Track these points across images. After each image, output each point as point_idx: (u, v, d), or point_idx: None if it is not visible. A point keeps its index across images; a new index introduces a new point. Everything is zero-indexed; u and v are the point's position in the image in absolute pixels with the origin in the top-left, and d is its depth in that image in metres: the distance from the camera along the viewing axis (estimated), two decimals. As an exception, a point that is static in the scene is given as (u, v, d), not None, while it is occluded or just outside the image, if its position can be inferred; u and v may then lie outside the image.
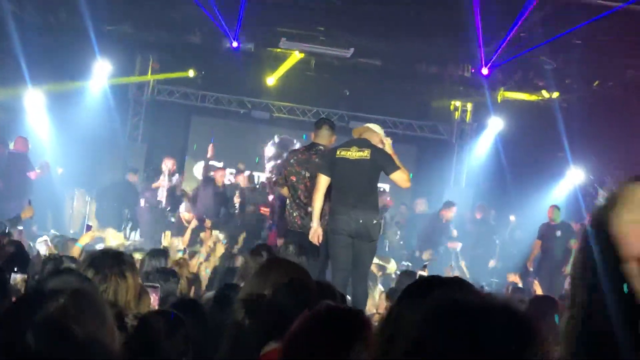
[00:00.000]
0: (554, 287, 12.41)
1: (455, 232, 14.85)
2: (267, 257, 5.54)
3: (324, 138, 8.76)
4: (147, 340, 2.99)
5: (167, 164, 14.97)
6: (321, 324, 2.33)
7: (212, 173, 14.73)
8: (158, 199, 14.64)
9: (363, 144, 7.88)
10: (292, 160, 8.84)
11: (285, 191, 8.93)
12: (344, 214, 7.70)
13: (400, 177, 7.83)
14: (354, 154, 7.79)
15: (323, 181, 7.93)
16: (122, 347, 2.10)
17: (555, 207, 13.83)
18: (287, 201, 8.84)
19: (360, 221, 7.67)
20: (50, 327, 1.88)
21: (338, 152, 7.87)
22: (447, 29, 13.40)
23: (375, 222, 7.77)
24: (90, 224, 8.71)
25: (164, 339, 3.09)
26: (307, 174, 8.55)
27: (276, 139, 18.45)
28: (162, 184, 14.75)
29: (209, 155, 15.07)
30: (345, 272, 7.65)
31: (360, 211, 7.69)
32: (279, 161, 16.28)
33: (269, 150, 18.39)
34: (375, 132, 8.04)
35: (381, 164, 7.78)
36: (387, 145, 8.05)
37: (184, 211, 14.23)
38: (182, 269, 6.05)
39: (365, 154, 7.76)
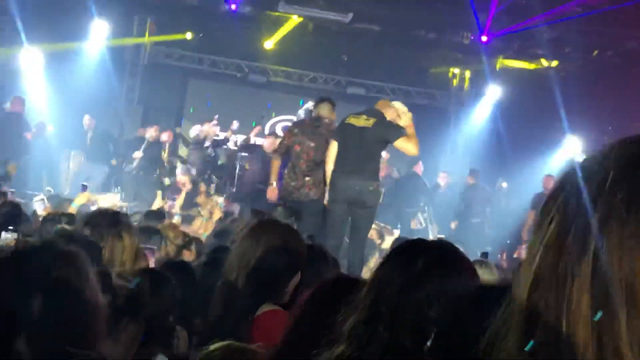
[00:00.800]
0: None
1: None
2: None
3: (327, 112, 8.88)
4: (132, 297, 3.01)
5: (204, 131, 14.85)
6: (328, 294, 2.33)
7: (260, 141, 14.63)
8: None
9: (373, 113, 8.02)
10: (296, 130, 8.98)
11: (277, 161, 9.09)
12: (342, 180, 7.85)
13: (404, 144, 7.94)
14: (360, 121, 7.92)
15: (333, 147, 8.09)
16: (107, 305, 2.13)
17: (551, 177, 13.84)
18: (286, 170, 8.92)
19: (357, 188, 7.80)
20: (34, 285, 1.91)
21: (347, 119, 8.05)
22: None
23: (371, 188, 7.88)
24: (85, 184, 8.70)
25: (148, 297, 3.11)
26: (312, 144, 8.65)
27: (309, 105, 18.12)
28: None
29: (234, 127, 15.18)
30: (339, 238, 7.79)
31: (357, 178, 7.82)
32: None
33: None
34: (392, 107, 8.09)
35: (383, 132, 7.90)
36: (406, 118, 8.08)
37: (180, 174, 14.15)
38: (168, 232, 6.04)
39: (370, 122, 7.87)
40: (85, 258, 2.05)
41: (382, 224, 10.81)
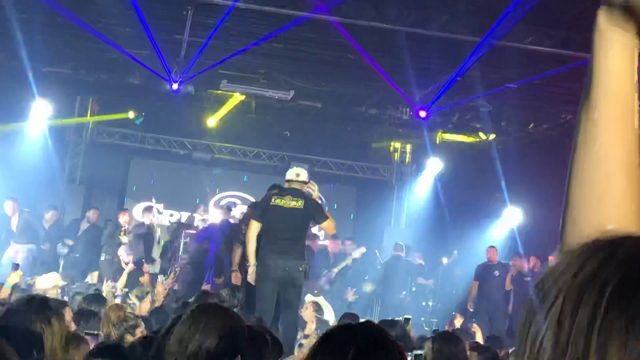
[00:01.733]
0: (494, 327, 12.55)
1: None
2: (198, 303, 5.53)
3: None
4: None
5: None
6: None
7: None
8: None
9: (297, 193, 8.73)
10: (242, 226, 10.03)
11: (239, 249, 9.96)
12: (272, 260, 8.42)
13: (329, 225, 8.85)
14: (288, 202, 8.60)
15: (255, 227, 8.71)
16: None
17: (493, 248, 14.07)
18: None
19: (287, 268, 8.41)
20: None
21: (272, 200, 8.69)
22: (386, 72, 13.62)
23: (301, 269, 8.52)
24: (17, 262, 8.57)
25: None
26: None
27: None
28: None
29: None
30: (269, 315, 8.21)
31: (288, 258, 8.44)
32: None
33: None
34: (303, 183, 8.89)
35: (313, 213, 8.72)
36: (316, 191, 9.00)
37: (123, 253, 13.82)
38: (111, 314, 5.93)
39: (299, 203, 8.60)
40: (11, 352, 2.03)
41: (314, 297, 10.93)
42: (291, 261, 8.41)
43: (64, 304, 6.11)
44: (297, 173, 8.92)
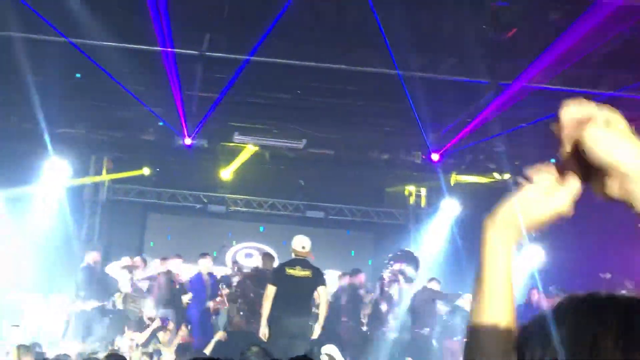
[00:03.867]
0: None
1: None
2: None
3: (269, 265, 12.75)
4: None
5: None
6: None
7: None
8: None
9: (305, 264, 10.66)
10: (247, 282, 12.72)
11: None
12: (287, 319, 10.27)
13: (326, 291, 10.87)
14: (298, 272, 10.56)
15: (272, 291, 10.51)
16: None
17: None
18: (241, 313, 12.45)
19: (300, 325, 10.39)
20: None
21: (286, 270, 10.64)
22: (396, 117, 13.69)
23: (310, 323, 10.73)
24: (17, 324, 8.62)
25: None
26: (262, 291, 11.16)
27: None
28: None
29: None
30: None
31: (300, 316, 10.42)
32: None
33: None
34: (308, 252, 10.83)
35: (319, 281, 10.73)
36: None
37: (150, 308, 13.40)
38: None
39: (308, 273, 10.60)
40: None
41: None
42: (302, 318, 10.46)
43: None
44: (303, 245, 10.73)
